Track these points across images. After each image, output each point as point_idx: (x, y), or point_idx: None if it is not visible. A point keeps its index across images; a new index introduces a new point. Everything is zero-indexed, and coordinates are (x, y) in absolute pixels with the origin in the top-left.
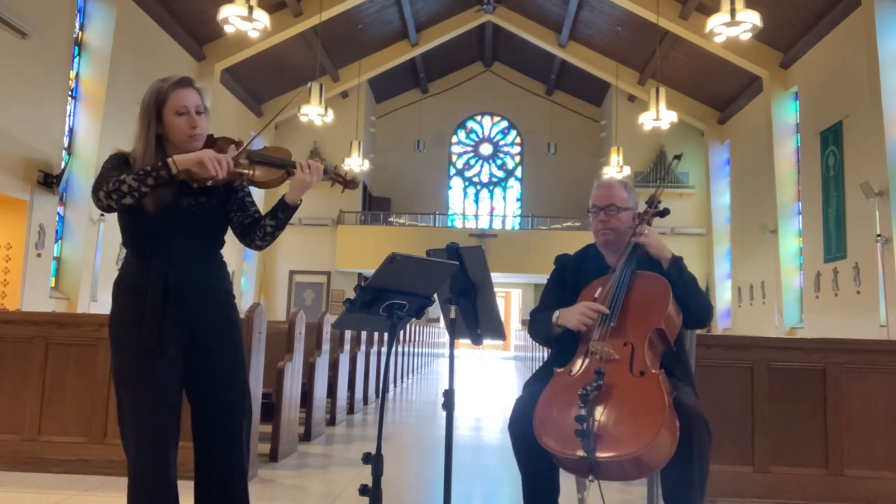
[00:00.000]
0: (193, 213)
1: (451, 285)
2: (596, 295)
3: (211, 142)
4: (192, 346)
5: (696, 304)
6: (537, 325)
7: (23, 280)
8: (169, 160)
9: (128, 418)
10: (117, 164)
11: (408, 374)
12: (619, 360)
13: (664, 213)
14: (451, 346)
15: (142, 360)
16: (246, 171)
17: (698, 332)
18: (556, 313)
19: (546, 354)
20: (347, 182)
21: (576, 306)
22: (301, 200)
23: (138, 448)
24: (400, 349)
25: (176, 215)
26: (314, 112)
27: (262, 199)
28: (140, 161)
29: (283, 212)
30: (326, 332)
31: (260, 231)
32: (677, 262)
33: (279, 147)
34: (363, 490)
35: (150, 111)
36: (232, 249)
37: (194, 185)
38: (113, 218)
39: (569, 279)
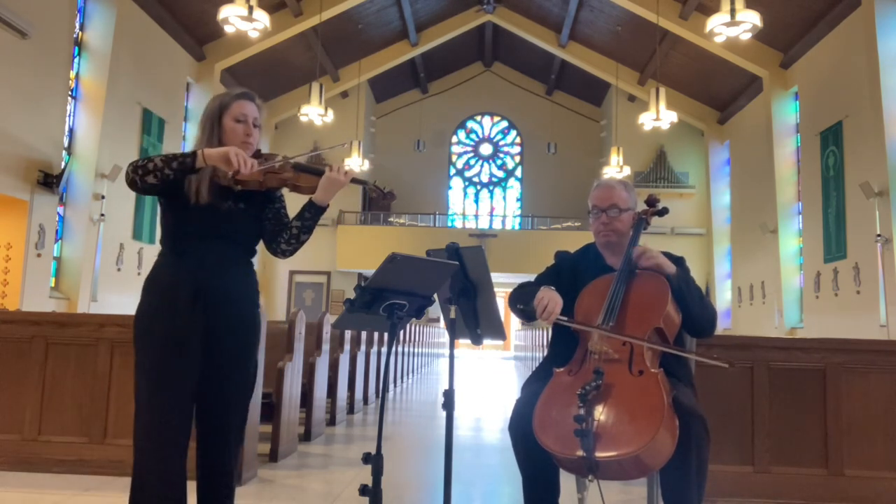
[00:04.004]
0: (231, 219)
1: (451, 285)
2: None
3: (259, 155)
4: (212, 348)
5: (701, 317)
6: (518, 296)
7: (23, 280)
8: (198, 151)
9: (145, 411)
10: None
11: (408, 374)
12: (618, 359)
13: (663, 212)
14: (451, 346)
15: (166, 354)
16: (289, 176)
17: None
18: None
19: (545, 353)
20: (386, 194)
21: (552, 296)
22: (329, 204)
23: (150, 441)
24: (400, 349)
25: (214, 218)
26: (314, 112)
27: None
28: None
29: (311, 212)
30: (326, 332)
31: (286, 234)
32: (681, 275)
33: (319, 163)
34: (363, 490)
35: (214, 116)
36: None
37: (237, 188)
38: (113, 218)
39: (564, 276)
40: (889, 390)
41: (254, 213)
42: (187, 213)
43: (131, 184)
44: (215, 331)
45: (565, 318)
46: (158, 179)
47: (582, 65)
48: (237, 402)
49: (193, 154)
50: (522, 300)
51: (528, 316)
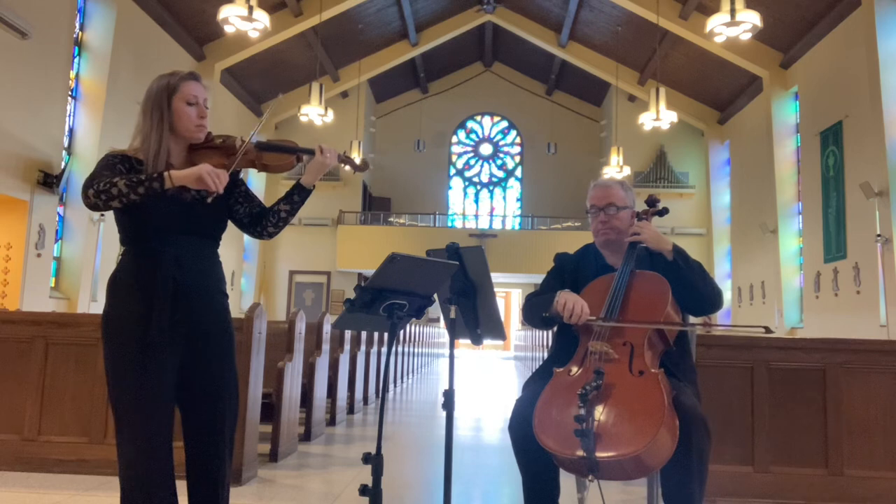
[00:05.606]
0: (197, 210)
1: (451, 285)
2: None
3: (210, 137)
4: (190, 345)
5: (705, 290)
6: (534, 306)
7: (23, 280)
8: (165, 174)
9: (126, 417)
10: (112, 163)
11: (408, 374)
12: (618, 359)
13: (663, 212)
14: (451, 346)
15: (144, 357)
16: (254, 157)
17: (699, 332)
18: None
19: (545, 354)
20: (358, 166)
21: (576, 298)
22: (315, 185)
23: (138, 447)
24: (400, 349)
25: (181, 212)
26: (314, 112)
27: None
28: (151, 152)
29: (300, 195)
30: (326, 332)
31: (273, 217)
32: (680, 250)
33: (285, 139)
34: (363, 490)
35: (162, 99)
36: (231, 249)
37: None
38: (113, 218)
39: (567, 278)
40: (889, 390)
41: (219, 201)
42: (150, 209)
43: (92, 207)
44: (198, 329)
45: (594, 318)
46: (123, 204)
47: (582, 65)
48: (228, 400)
49: (161, 178)
50: (543, 308)
51: (549, 323)
